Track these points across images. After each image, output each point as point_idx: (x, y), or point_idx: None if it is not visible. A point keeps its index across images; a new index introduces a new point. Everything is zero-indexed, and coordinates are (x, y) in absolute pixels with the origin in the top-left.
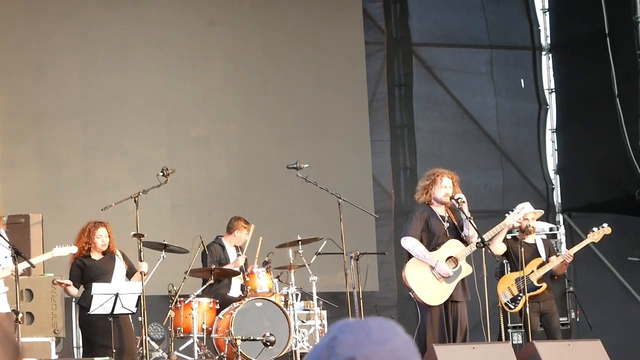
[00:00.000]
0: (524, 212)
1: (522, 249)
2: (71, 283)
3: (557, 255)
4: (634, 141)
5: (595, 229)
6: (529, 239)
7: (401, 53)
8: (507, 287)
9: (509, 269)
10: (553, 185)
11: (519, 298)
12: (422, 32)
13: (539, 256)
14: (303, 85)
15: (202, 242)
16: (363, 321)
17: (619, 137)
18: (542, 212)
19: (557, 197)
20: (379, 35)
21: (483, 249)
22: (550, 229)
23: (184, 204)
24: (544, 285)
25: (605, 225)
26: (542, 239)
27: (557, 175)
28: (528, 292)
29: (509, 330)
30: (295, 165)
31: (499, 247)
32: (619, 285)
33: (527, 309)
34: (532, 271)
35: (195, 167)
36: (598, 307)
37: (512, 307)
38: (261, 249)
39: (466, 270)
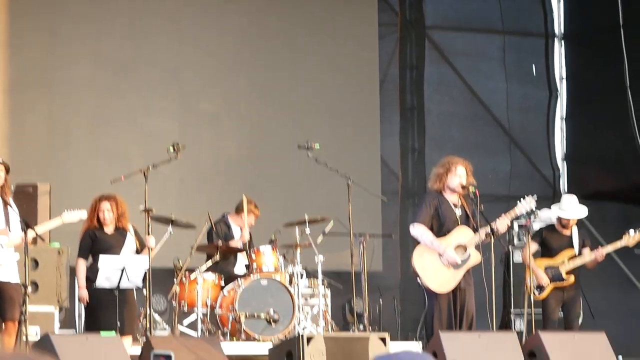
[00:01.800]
0: (572, 216)
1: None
2: (86, 294)
3: (590, 250)
4: None
5: (631, 231)
6: (567, 231)
7: (414, 36)
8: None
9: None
10: (560, 172)
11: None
12: (435, 16)
13: (573, 247)
14: (315, 65)
15: (209, 218)
16: (395, 353)
17: (628, 128)
18: (586, 213)
19: (563, 185)
20: (392, 18)
21: (492, 238)
22: (557, 218)
23: (193, 179)
24: (572, 277)
25: None
26: (579, 230)
27: (565, 163)
28: (556, 282)
29: (511, 316)
30: (306, 145)
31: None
32: (623, 275)
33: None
34: (563, 262)
35: (205, 143)
36: (601, 296)
37: (537, 293)
38: (268, 227)
39: (475, 258)
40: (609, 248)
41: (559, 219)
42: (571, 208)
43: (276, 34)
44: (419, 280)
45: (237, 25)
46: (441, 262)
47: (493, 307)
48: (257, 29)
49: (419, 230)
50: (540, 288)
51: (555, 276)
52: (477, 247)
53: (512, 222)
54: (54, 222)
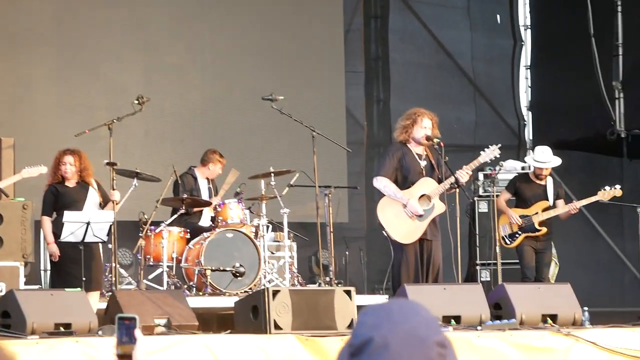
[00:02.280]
0: (544, 164)
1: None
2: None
3: (564, 200)
4: (607, 81)
5: (607, 187)
6: (542, 181)
7: None
8: (508, 221)
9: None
10: (525, 121)
11: (517, 235)
12: None
13: (547, 199)
14: (279, 15)
15: (174, 171)
16: (385, 303)
17: (593, 76)
18: (559, 162)
19: (528, 134)
20: None
21: (457, 189)
22: (522, 168)
23: (158, 131)
24: (544, 229)
25: (617, 187)
26: (553, 181)
27: (530, 112)
28: (527, 233)
29: (477, 268)
30: (270, 97)
31: None
32: (588, 224)
33: (523, 245)
34: (537, 212)
35: (169, 95)
36: (568, 245)
37: (509, 242)
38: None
39: (439, 208)
40: (583, 202)
41: (534, 169)
42: (545, 158)
43: None
44: (384, 232)
45: None
46: (405, 213)
47: (458, 258)
48: None
49: (382, 182)
50: (512, 237)
51: (528, 226)
52: (441, 198)
53: (477, 173)
54: (14, 178)
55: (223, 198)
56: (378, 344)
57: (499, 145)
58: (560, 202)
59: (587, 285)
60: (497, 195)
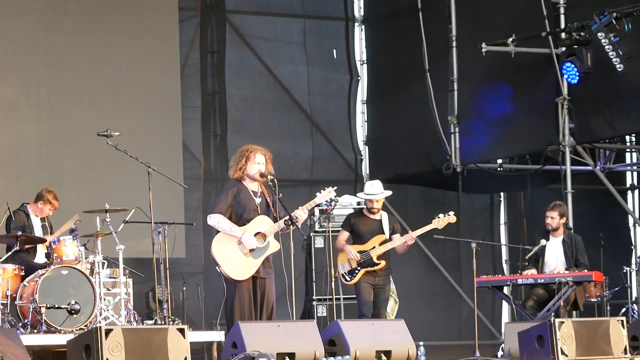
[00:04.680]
0: (373, 195)
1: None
2: None
3: (400, 234)
4: (442, 116)
5: (441, 215)
6: (375, 215)
7: (215, 20)
8: (346, 259)
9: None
10: (362, 156)
11: (357, 271)
12: (236, 0)
13: (383, 232)
14: (115, 50)
15: (8, 208)
16: None
17: (428, 111)
18: (390, 192)
19: (365, 168)
20: (192, 2)
21: (291, 227)
22: (358, 203)
23: None
24: (383, 262)
25: (451, 213)
26: (388, 216)
27: (366, 147)
28: (367, 267)
29: (314, 303)
30: (105, 133)
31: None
32: (426, 259)
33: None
34: (374, 247)
35: (4, 129)
36: (406, 279)
37: (349, 279)
38: (68, 216)
39: (274, 246)
40: (419, 231)
41: (366, 203)
42: (374, 190)
43: (74, 19)
44: (217, 269)
45: (36, 9)
46: (239, 249)
47: (293, 296)
48: (56, 13)
49: (215, 219)
50: (351, 273)
51: (366, 261)
52: (276, 236)
53: (313, 209)
54: None
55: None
56: None
57: (335, 187)
58: (397, 235)
59: (425, 319)
60: (332, 231)
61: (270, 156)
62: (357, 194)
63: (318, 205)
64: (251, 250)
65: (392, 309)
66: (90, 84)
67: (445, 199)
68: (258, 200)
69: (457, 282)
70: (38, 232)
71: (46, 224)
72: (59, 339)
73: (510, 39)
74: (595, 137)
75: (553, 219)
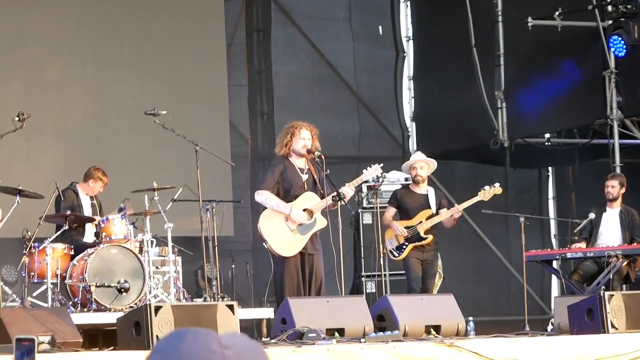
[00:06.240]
0: (415, 159)
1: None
2: None
3: (447, 209)
4: (489, 91)
5: (487, 187)
6: (421, 189)
7: None
8: (394, 235)
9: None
10: (409, 132)
11: (404, 247)
12: None
13: (429, 207)
14: (161, 30)
15: (57, 188)
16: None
17: (475, 86)
18: (435, 162)
19: (412, 145)
20: None
21: (338, 203)
22: (406, 179)
23: (40, 148)
24: (431, 237)
25: (497, 184)
26: (435, 191)
27: (413, 123)
28: (414, 242)
29: (363, 279)
30: (153, 112)
31: None
32: (474, 234)
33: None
34: (421, 222)
35: (51, 111)
36: (454, 255)
37: (397, 255)
38: (117, 195)
39: (321, 223)
40: (465, 204)
41: (410, 172)
42: (416, 156)
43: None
44: (265, 245)
45: None
46: (287, 226)
47: (342, 271)
48: None
49: (262, 195)
50: (399, 249)
51: (413, 236)
52: (323, 213)
53: (360, 185)
54: None
55: (106, 214)
56: None
57: (382, 164)
58: (444, 210)
59: (473, 295)
60: (380, 207)
61: (316, 132)
62: (402, 166)
63: (365, 182)
64: (298, 227)
65: (436, 284)
66: (136, 64)
67: (493, 174)
68: (305, 177)
69: (505, 258)
70: (87, 211)
71: (95, 202)
72: (109, 318)
73: (557, 13)
74: None
75: (614, 187)
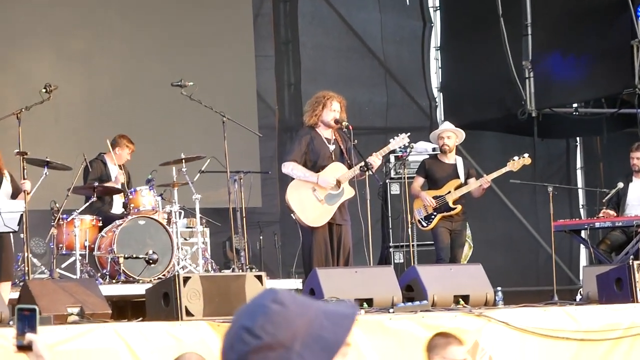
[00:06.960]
0: (443, 128)
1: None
2: None
3: (476, 178)
4: (517, 61)
5: (516, 157)
6: (449, 159)
7: None
8: (422, 205)
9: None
10: (436, 102)
11: (433, 217)
12: None
13: (458, 177)
14: (188, 1)
15: (84, 159)
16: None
17: (502, 56)
18: (462, 132)
19: (440, 115)
20: None
21: (366, 173)
22: (434, 149)
23: (67, 119)
24: (459, 207)
25: (526, 155)
26: (463, 161)
27: (441, 93)
28: (443, 212)
29: (391, 250)
30: (180, 83)
31: None
32: (502, 204)
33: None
34: (449, 192)
35: (78, 82)
36: (482, 225)
37: (425, 224)
38: (144, 167)
39: (348, 192)
40: (494, 174)
41: (438, 142)
42: (444, 126)
43: None
44: (292, 216)
45: None
46: (315, 196)
47: (370, 242)
48: None
49: (289, 166)
50: (428, 219)
51: (442, 206)
52: (350, 183)
53: (388, 155)
54: None
55: (134, 185)
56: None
57: (409, 134)
58: (472, 180)
59: (502, 265)
60: (408, 177)
61: (345, 103)
62: (430, 135)
63: (393, 152)
64: (326, 197)
65: (466, 254)
66: (163, 35)
67: (521, 145)
68: (332, 147)
69: (534, 228)
70: (116, 179)
71: (124, 172)
72: (137, 289)
73: None
74: None
75: (639, 159)
